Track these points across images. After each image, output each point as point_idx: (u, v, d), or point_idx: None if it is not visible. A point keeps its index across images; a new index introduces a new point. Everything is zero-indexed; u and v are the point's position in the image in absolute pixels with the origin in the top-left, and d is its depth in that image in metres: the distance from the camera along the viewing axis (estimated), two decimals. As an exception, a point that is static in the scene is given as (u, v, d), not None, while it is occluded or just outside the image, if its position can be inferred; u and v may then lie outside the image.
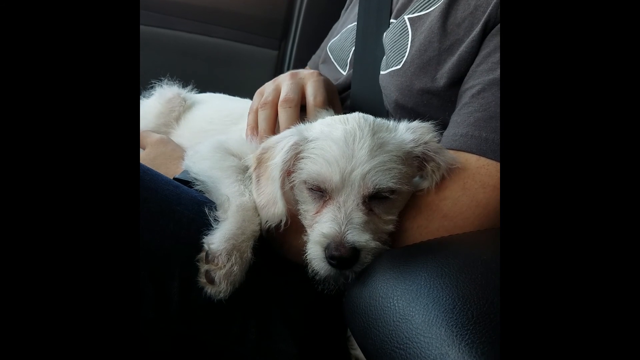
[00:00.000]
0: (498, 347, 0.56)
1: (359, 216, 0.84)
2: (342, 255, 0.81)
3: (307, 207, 0.90)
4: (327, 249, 0.82)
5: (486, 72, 0.93)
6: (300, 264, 0.96)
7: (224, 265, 0.81)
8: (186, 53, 2.18)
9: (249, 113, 1.13)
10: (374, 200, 0.86)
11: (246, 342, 0.92)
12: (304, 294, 1.00)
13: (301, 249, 0.88)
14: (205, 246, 0.83)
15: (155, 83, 1.45)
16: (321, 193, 0.87)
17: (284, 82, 1.11)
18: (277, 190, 0.88)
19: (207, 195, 0.99)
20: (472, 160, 0.90)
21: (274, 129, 1.07)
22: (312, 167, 0.87)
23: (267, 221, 0.89)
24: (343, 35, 1.38)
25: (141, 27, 1.92)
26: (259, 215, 0.90)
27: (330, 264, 0.82)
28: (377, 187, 0.84)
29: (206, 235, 0.85)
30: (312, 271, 0.86)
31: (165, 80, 1.45)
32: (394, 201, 0.89)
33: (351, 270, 0.82)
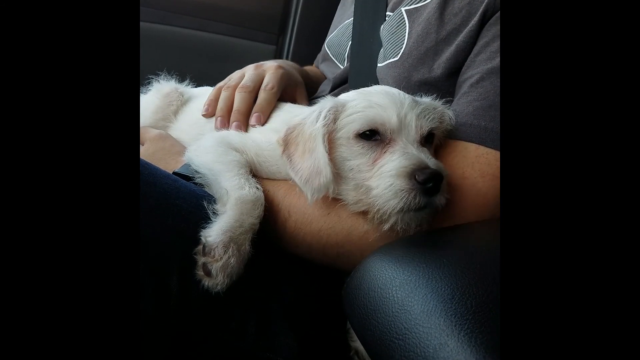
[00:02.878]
0: (497, 336, 0.56)
1: (426, 150, 0.88)
2: (435, 175, 0.82)
3: (360, 161, 0.89)
4: (416, 175, 0.82)
5: (485, 61, 0.93)
6: (300, 256, 0.96)
7: (221, 258, 0.81)
8: (184, 49, 2.17)
9: (213, 89, 1.24)
10: (426, 145, 0.90)
11: (246, 335, 0.91)
12: (303, 287, 1.00)
13: (313, 236, 0.92)
14: (203, 239, 0.83)
15: (152, 78, 1.44)
16: (376, 141, 0.88)
17: (248, 71, 1.25)
18: (323, 155, 0.88)
19: (206, 188, 0.99)
20: (471, 149, 0.90)
21: (231, 110, 1.17)
22: (367, 114, 0.89)
23: (313, 194, 0.89)
24: (340, 31, 1.39)
25: (138, 23, 1.91)
26: (258, 208, 0.90)
27: (423, 190, 0.82)
28: (428, 125, 0.89)
29: (205, 228, 0.85)
30: (390, 210, 0.84)
31: (163, 75, 1.45)
32: (432, 151, 0.93)
33: (440, 196, 0.83)
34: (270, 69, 1.26)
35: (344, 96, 0.96)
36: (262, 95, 1.19)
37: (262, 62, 1.30)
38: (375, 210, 0.85)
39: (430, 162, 0.85)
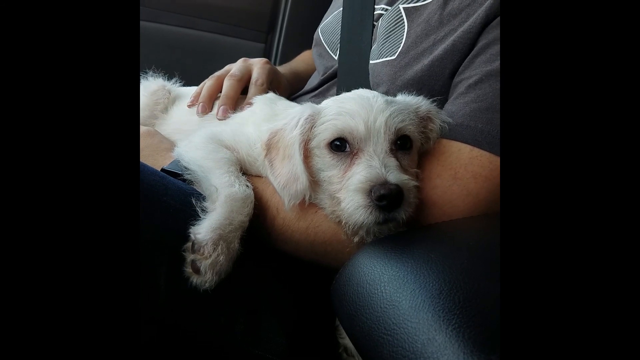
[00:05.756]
0: (485, 331, 0.56)
1: (392, 160, 0.86)
2: (391, 192, 0.81)
3: (332, 172, 0.89)
4: (372, 191, 0.82)
5: (484, 63, 0.92)
6: (289, 253, 0.96)
7: (210, 255, 0.81)
8: (172, 46, 2.16)
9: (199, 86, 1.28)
10: (399, 151, 0.89)
11: (234, 331, 0.91)
12: (292, 284, 1.00)
13: (301, 233, 0.91)
14: (192, 236, 0.83)
15: (140, 76, 1.43)
16: (346, 152, 0.88)
17: (235, 65, 1.30)
18: (299, 162, 0.88)
19: (195, 186, 0.99)
20: (465, 151, 0.90)
21: (214, 98, 1.24)
22: (335, 123, 0.88)
23: (289, 200, 0.89)
24: (335, 18, 1.36)
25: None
26: (247, 206, 0.90)
27: (378, 207, 0.82)
28: (398, 127, 0.87)
29: (194, 225, 0.85)
30: (353, 226, 0.85)
31: (151, 73, 1.44)
32: (413, 155, 0.91)
33: (401, 210, 0.82)
34: (257, 63, 1.29)
35: (323, 103, 0.96)
36: (252, 89, 1.22)
37: (248, 59, 1.34)
38: (344, 222, 0.86)
39: (391, 176, 0.83)
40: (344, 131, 0.87)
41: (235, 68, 1.27)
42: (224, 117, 1.16)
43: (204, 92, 1.24)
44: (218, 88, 1.25)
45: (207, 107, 1.22)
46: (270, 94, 1.17)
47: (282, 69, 1.49)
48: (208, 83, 1.25)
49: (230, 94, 1.21)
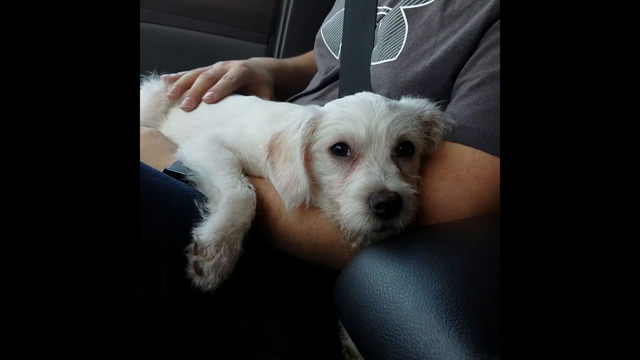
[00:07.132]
0: (487, 332, 0.56)
1: (392, 167, 0.86)
2: (389, 200, 0.81)
3: (332, 176, 0.89)
4: (371, 199, 0.82)
5: (486, 65, 0.92)
6: (291, 255, 0.96)
7: (213, 257, 0.81)
8: (174, 48, 2.16)
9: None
10: (400, 157, 0.88)
11: (236, 333, 0.91)
12: (294, 285, 1.00)
13: (303, 235, 0.91)
14: (195, 237, 0.83)
15: (142, 78, 1.43)
16: (347, 157, 0.88)
17: (214, 66, 1.39)
18: (300, 166, 0.88)
19: (198, 187, 0.99)
20: (467, 153, 0.90)
21: (182, 93, 1.33)
22: (336, 128, 0.88)
23: (290, 202, 0.89)
24: (337, 18, 1.36)
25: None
26: (250, 207, 0.90)
27: (376, 214, 0.82)
28: (400, 134, 0.87)
29: (196, 227, 0.85)
30: (351, 232, 0.85)
31: (153, 74, 1.44)
32: (415, 160, 0.91)
33: (399, 218, 0.82)
34: (234, 65, 1.36)
35: (326, 106, 0.96)
36: (220, 81, 1.30)
37: (229, 61, 1.41)
38: (342, 227, 0.86)
39: (390, 183, 0.83)
40: (345, 136, 0.87)
41: (211, 69, 1.36)
42: (188, 108, 1.28)
43: (177, 83, 1.33)
44: (190, 84, 1.33)
45: (177, 98, 1.32)
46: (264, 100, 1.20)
47: (282, 62, 1.52)
48: (182, 78, 1.35)
49: (198, 88, 1.31)
